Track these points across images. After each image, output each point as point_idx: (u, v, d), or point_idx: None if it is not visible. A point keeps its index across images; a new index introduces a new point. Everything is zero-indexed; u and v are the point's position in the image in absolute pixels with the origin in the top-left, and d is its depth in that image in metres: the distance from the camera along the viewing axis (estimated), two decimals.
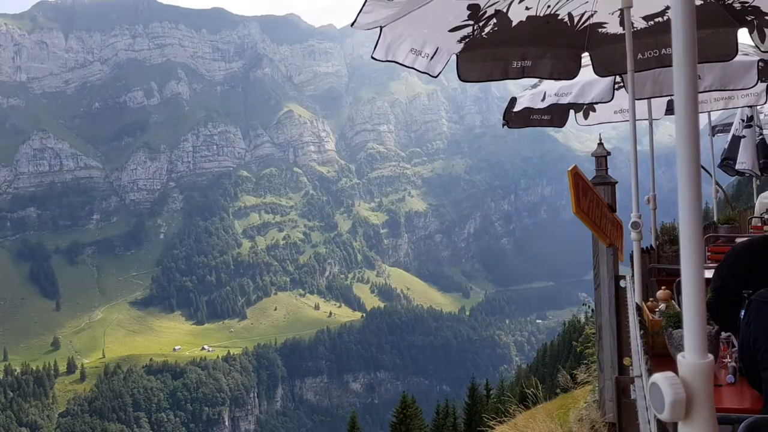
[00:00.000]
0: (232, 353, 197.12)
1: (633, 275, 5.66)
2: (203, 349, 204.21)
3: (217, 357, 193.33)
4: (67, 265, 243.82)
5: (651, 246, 7.98)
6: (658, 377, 1.29)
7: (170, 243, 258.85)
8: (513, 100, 8.26)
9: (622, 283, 6.09)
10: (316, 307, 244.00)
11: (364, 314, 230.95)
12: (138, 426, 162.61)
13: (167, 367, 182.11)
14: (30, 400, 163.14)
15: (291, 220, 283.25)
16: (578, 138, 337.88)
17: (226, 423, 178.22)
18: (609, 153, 6.46)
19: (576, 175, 5.29)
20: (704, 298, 1.30)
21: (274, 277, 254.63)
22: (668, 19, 6.20)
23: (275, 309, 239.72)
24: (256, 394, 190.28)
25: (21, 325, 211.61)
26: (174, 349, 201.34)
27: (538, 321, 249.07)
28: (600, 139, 6.49)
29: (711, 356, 1.30)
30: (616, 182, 6.64)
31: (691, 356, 1.30)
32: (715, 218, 10.14)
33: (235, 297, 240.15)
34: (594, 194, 5.77)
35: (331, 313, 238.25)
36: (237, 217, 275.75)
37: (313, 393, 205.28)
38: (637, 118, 6.68)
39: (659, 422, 2.15)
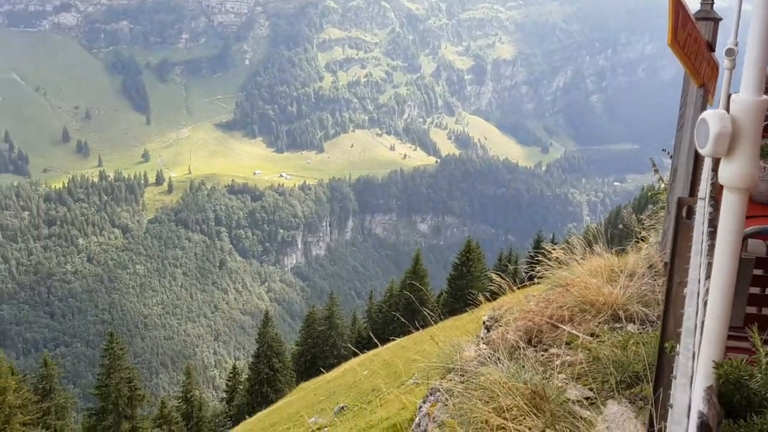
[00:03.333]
0: (308, 183, 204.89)
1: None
2: (281, 176, 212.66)
3: (294, 185, 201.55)
4: (157, 81, 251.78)
5: None
6: (708, 112, 1.23)
7: (254, 70, 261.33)
8: None
9: None
10: (392, 148, 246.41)
11: (439, 160, 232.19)
12: (219, 239, 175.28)
13: (247, 189, 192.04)
14: (122, 205, 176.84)
15: (374, 58, 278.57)
16: None
17: (299, 245, 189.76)
18: None
19: (678, 2, 5.00)
20: None
21: (353, 114, 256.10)
22: None
23: (351, 146, 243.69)
24: (328, 223, 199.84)
25: (114, 134, 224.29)
26: (254, 173, 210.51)
27: (615, 183, 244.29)
28: None
29: (766, 96, 1.22)
30: (721, 19, 6.22)
31: (744, 93, 1.22)
32: None
33: (314, 130, 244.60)
34: (694, 28, 5.47)
35: (405, 155, 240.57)
36: (321, 50, 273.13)
37: (382, 228, 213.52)
38: None
39: (710, 244, 1.85)
